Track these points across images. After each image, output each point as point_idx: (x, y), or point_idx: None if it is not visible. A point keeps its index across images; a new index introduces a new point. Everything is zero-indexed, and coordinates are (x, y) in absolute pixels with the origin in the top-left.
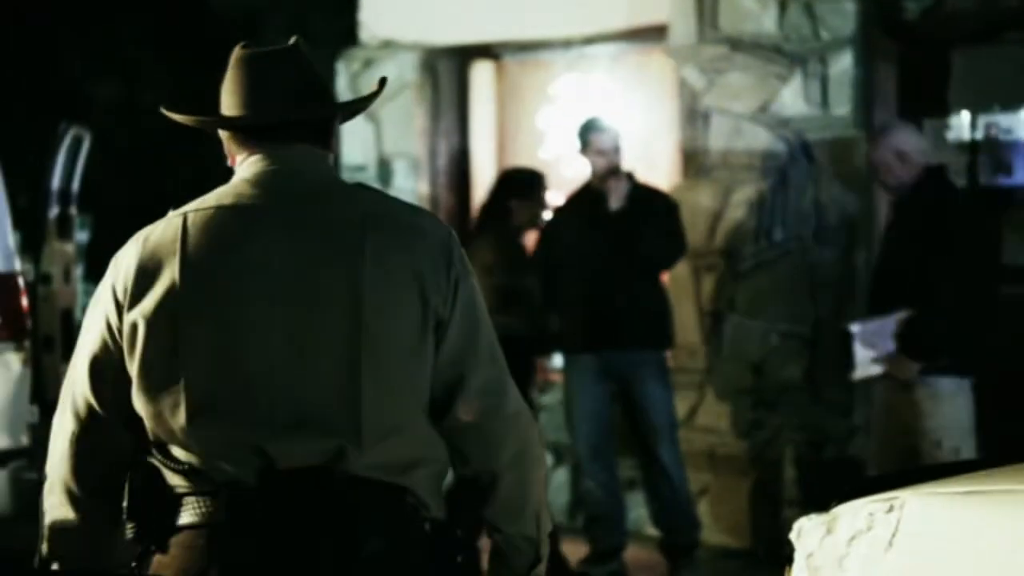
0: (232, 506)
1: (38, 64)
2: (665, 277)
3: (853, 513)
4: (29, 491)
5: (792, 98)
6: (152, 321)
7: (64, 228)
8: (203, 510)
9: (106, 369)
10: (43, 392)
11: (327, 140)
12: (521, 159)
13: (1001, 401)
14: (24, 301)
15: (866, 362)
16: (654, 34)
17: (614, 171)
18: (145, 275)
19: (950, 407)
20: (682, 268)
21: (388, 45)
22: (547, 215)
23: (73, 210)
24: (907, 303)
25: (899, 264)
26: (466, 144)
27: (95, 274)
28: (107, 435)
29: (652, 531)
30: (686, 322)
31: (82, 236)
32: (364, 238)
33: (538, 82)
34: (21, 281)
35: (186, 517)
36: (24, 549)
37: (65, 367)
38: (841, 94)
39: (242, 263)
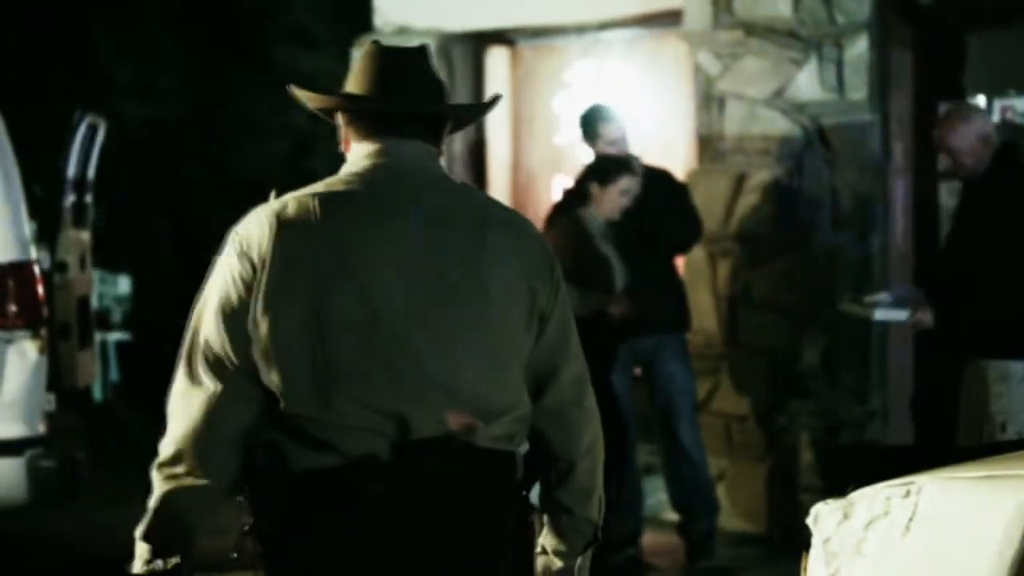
0: (378, 478)
1: (54, 51)
2: (680, 262)
3: (870, 498)
4: (46, 479)
5: (807, 83)
6: (289, 296)
7: (80, 216)
8: (344, 486)
9: (239, 340)
10: (59, 380)
11: (439, 140)
12: (536, 145)
13: None
14: (40, 289)
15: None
16: (669, 19)
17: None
18: (282, 251)
19: (1019, 391)
20: (698, 253)
21: (402, 31)
22: (625, 201)
23: (89, 198)
24: (976, 285)
25: (971, 245)
26: (481, 130)
27: (104, 261)
28: (244, 402)
29: (670, 516)
30: (702, 308)
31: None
32: (484, 233)
33: (553, 68)
34: (37, 269)
35: (323, 494)
36: (41, 536)
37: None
38: (857, 79)
39: (377, 243)
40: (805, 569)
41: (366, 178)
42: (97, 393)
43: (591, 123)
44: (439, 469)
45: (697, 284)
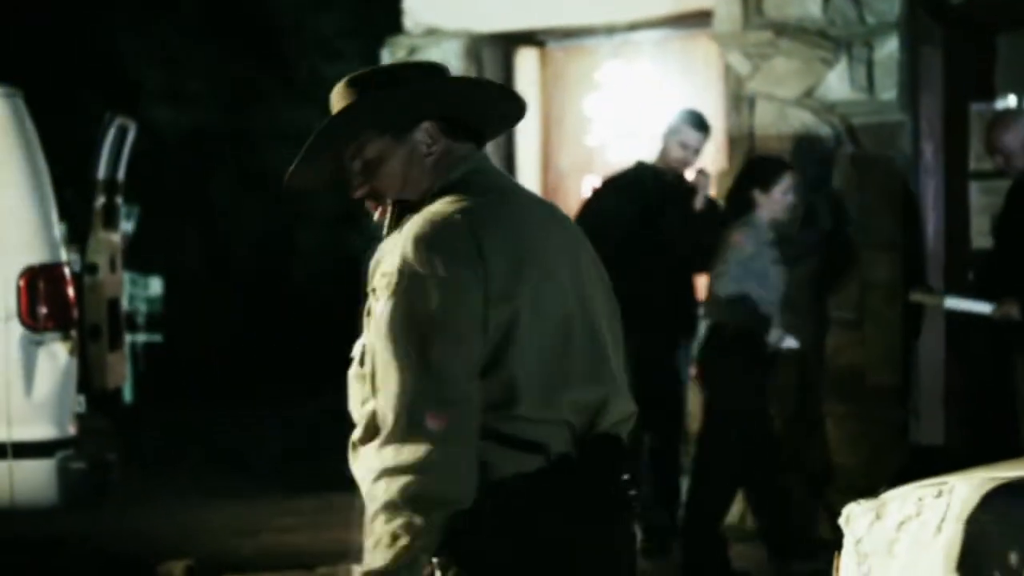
0: (575, 477)
1: (85, 56)
2: None
3: (902, 498)
4: (77, 481)
5: (837, 83)
6: (514, 300)
7: (110, 218)
8: (553, 486)
9: (477, 352)
10: (90, 382)
11: None
12: (567, 146)
13: None
14: (70, 291)
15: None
16: (699, 19)
17: (700, 169)
18: (496, 257)
19: None
20: None
21: (432, 32)
22: (789, 200)
23: (119, 200)
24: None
25: (1017, 246)
26: (511, 131)
27: (136, 264)
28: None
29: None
30: None
31: (127, 226)
32: (578, 231)
33: (583, 69)
34: (67, 271)
35: (535, 496)
36: (71, 537)
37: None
38: (887, 78)
39: (547, 242)
40: (837, 569)
41: (500, 185)
42: (127, 395)
43: (673, 122)
44: (615, 461)
45: None
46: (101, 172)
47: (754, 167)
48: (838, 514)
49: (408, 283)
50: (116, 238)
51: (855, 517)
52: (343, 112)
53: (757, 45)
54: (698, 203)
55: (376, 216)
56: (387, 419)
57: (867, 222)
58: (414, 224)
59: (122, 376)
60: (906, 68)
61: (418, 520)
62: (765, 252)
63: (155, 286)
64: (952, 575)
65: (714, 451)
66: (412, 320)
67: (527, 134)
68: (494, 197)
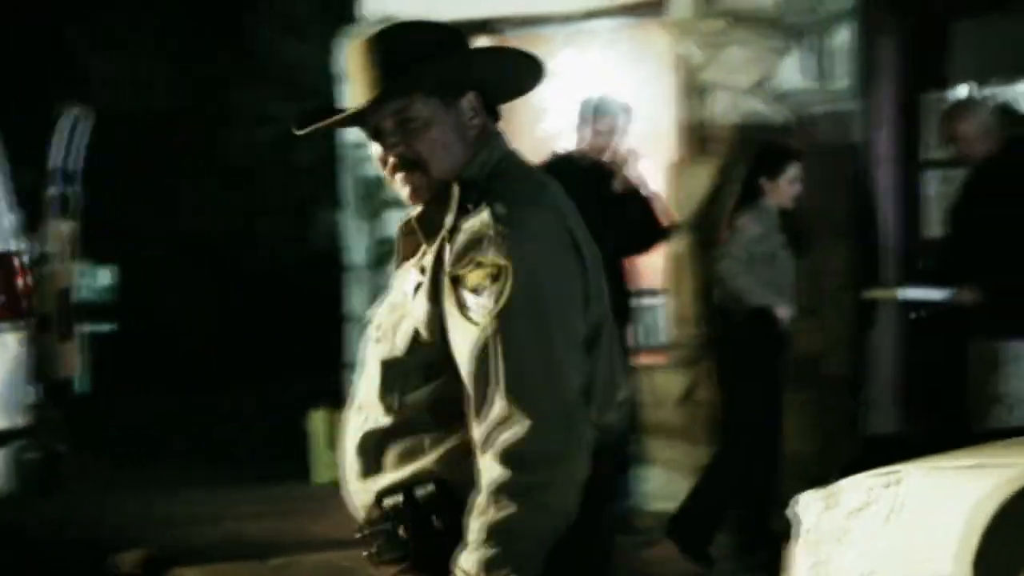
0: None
1: (38, 46)
2: (663, 252)
3: (853, 487)
4: (30, 470)
5: (791, 72)
6: (597, 302)
7: (64, 207)
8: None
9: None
10: (42, 372)
11: None
12: (521, 135)
13: None
14: (23, 281)
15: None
16: (653, 8)
17: (618, 152)
18: (587, 256)
19: None
20: (681, 244)
21: (389, 20)
22: (796, 189)
23: (73, 189)
24: (981, 272)
25: (980, 233)
26: None
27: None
28: None
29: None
30: (686, 298)
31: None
32: None
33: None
34: (18, 261)
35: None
36: (24, 526)
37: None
38: (840, 68)
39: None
40: (789, 558)
41: (532, 167)
42: (83, 384)
43: (588, 110)
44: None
45: (681, 273)
46: (55, 161)
47: (762, 155)
48: (790, 503)
49: (525, 275)
50: (70, 227)
51: (807, 506)
52: (420, 68)
53: (710, 34)
54: (617, 185)
55: (400, 185)
56: (514, 407)
57: (820, 211)
58: (507, 209)
59: (74, 366)
60: (859, 57)
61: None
62: (773, 236)
63: (104, 276)
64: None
65: (735, 431)
66: (534, 311)
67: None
68: (553, 186)
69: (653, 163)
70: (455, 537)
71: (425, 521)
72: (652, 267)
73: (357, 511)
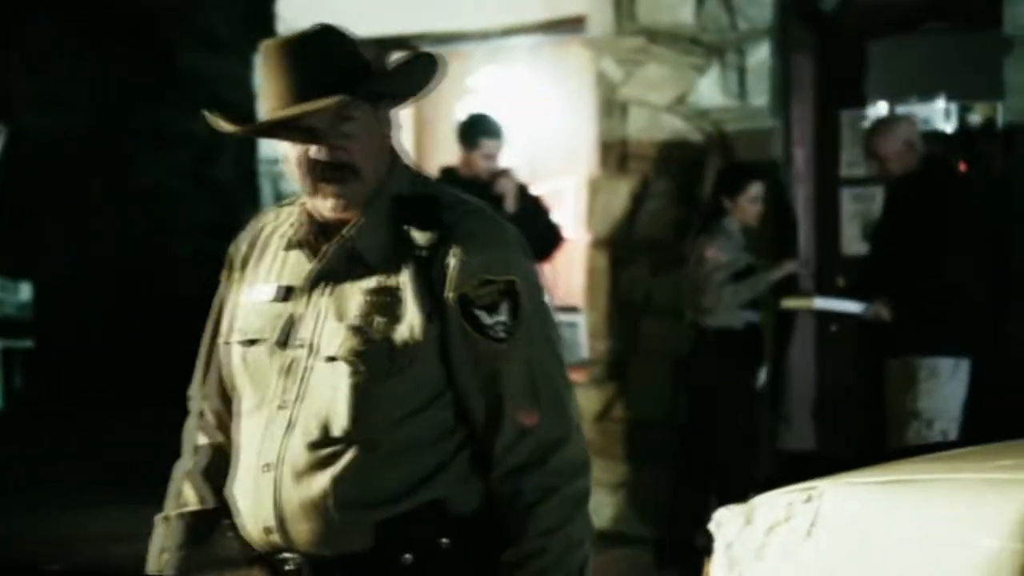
0: None
1: None
2: (582, 269)
3: (772, 503)
4: None
5: (709, 89)
6: None
7: None
8: None
9: None
10: None
11: None
12: (440, 152)
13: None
14: None
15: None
16: (572, 25)
17: (502, 172)
18: None
19: (947, 388)
20: (600, 261)
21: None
22: (756, 209)
23: None
24: (897, 288)
25: (898, 249)
26: None
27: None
28: None
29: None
30: (604, 314)
31: None
32: None
33: (456, 74)
34: None
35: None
36: None
37: None
38: (758, 85)
39: None
40: (707, 574)
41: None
42: None
43: (474, 133)
44: None
45: (598, 291)
46: None
47: (723, 175)
48: (709, 518)
49: (528, 289)
50: None
51: (725, 522)
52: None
53: (630, 51)
54: (509, 206)
55: (326, 193)
56: (562, 423)
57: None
58: (487, 225)
59: None
60: (778, 75)
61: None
62: (741, 257)
63: (26, 292)
64: None
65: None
66: (544, 325)
67: (400, 139)
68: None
69: (572, 179)
70: (460, 557)
71: (433, 545)
72: (570, 284)
73: (315, 547)
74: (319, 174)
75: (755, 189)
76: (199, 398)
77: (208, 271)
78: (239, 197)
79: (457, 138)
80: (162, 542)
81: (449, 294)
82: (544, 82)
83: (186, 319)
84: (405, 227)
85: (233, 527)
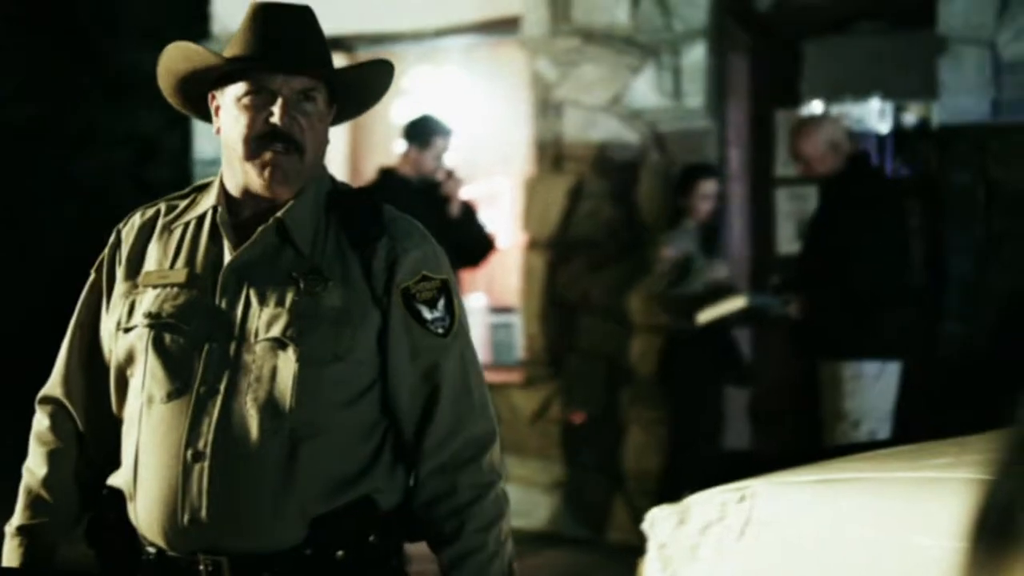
0: None
1: None
2: (519, 269)
3: (705, 503)
4: None
5: (645, 90)
6: None
7: None
8: None
9: None
10: None
11: None
12: (374, 153)
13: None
14: None
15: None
16: (507, 26)
17: (451, 173)
18: None
19: (872, 390)
20: (536, 261)
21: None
22: (704, 204)
23: None
24: (824, 289)
25: (827, 250)
26: None
27: None
28: None
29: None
30: (540, 314)
31: None
32: None
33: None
34: None
35: None
36: None
37: None
38: (693, 85)
39: None
40: (641, 574)
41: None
42: None
43: (428, 132)
44: None
45: (534, 291)
46: None
47: (679, 175)
48: (642, 518)
49: (455, 288)
50: None
51: (659, 521)
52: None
53: (565, 52)
54: (454, 209)
55: (264, 161)
56: (489, 424)
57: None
58: (413, 225)
59: None
60: (713, 75)
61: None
62: (698, 254)
63: None
64: None
65: (690, 439)
66: (466, 325)
67: (334, 140)
68: None
69: (507, 180)
70: (387, 553)
71: (363, 540)
72: (505, 284)
73: (226, 541)
74: (267, 140)
75: (705, 186)
76: (61, 395)
77: None
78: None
79: (407, 138)
80: (14, 557)
81: (393, 287)
82: (479, 82)
83: None
84: (341, 219)
85: (96, 535)
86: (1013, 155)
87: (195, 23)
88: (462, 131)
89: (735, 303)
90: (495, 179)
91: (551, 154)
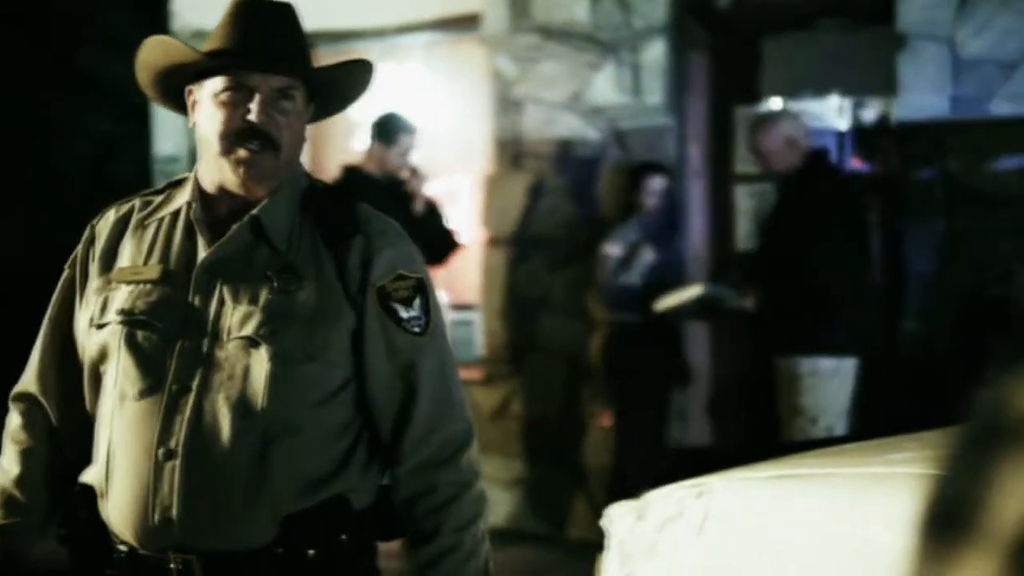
0: None
1: None
2: (478, 266)
3: (663, 499)
4: None
5: (604, 87)
6: None
7: None
8: None
9: None
10: None
11: None
12: (335, 151)
13: (887, 382)
14: None
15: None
16: (467, 23)
17: (415, 171)
18: None
19: (829, 386)
20: (496, 258)
21: (200, 35)
22: (651, 201)
23: None
24: (779, 285)
25: (784, 246)
26: None
27: None
28: None
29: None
30: (501, 312)
31: None
32: None
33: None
34: None
35: None
36: None
37: None
38: (653, 82)
39: None
40: (600, 570)
41: None
42: None
43: (394, 130)
44: None
45: (494, 288)
46: None
47: (629, 174)
48: (601, 514)
49: (431, 288)
50: None
51: (618, 518)
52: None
53: (525, 49)
54: (418, 206)
55: (238, 158)
56: (466, 423)
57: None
58: (389, 223)
59: None
60: (672, 72)
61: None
62: (645, 247)
63: None
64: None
65: (633, 434)
66: (445, 331)
67: None
68: None
69: (467, 177)
70: (359, 552)
71: (335, 540)
72: (465, 281)
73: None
74: (243, 137)
75: (652, 183)
76: (36, 392)
77: None
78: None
79: (372, 135)
80: None
81: (368, 285)
82: (440, 79)
83: None
84: (315, 217)
85: (67, 532)
86: (972, 152)
87: (156, 20)
88: (423, 128)
89: (692, 292)
90: (455, 176)
91: (511, 151)
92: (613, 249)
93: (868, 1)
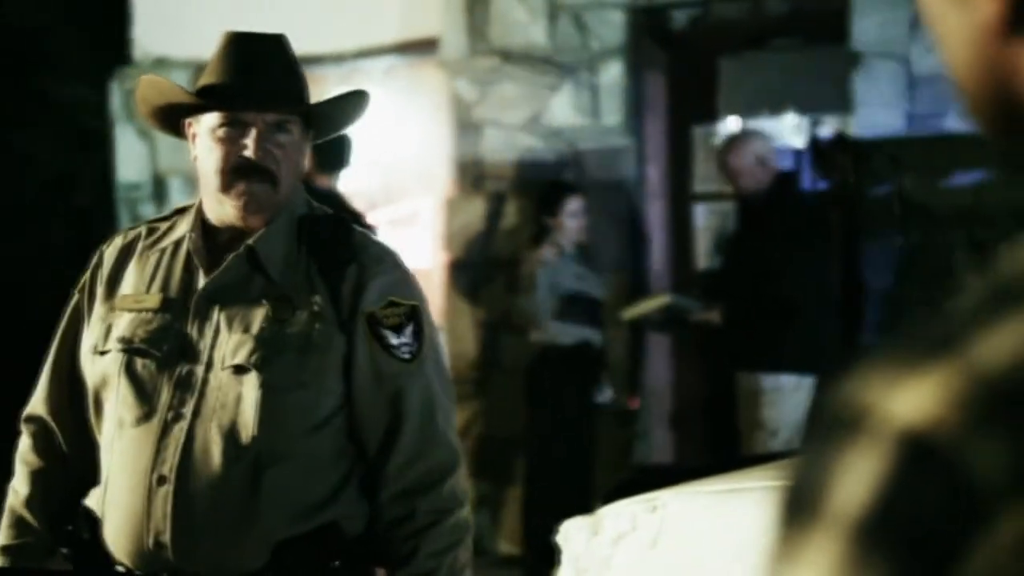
0: None
1: None
2: (440, 288)
3: (617, 514)
4: None
5: (563, 108)
6: None
7: None
8: None
9: None
10: None
11: None
12: None
13: None
14: None
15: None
16: (426, 47)
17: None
18: None
19: (790, 402)
20: (459, 280)
21: (161, 63)
22: (573, 222)
23: None
24: (743, 303)
25: (749, 264)
26: None
27: None
28: None
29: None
30: (463, 334)
31: None
32: None
33: (311, 97)
34: None
35: None
36: None
37: None
38: (611, 104)
39: None
40: None
41: None
42: None
43: (349, 154)
44: None
45: (457, 309)
46: None
47: (541, 195)
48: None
49: (427, 316)
50: None
51: (573, 533)
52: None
53: (484, 72)
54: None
55: (238, 192)
56: (452, 450)
57: (594, 245)
58: (385, 249)
59: None
60: (630, 93)
61: None
62: (570, 265)
63: None
64: None
65: (543, 462)
66: (439, 359)
67: None
68: None
69: (428, 200)
70: None
71: (326, 566)
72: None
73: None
74: (241, 173)
75: (573, 204)
76: (45, 414)
77: (65, 297)
78: (97, 223)
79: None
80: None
81: (359, 312)
82: (399, 103)
83: (39, 345)
84: (310, 244)
85: (72, 556)
86: (928, 168)
87: (113, 49)
88: (383, 152)
89: (657, 301)
90: (416, 199)
91: (471, 173)
92: (548, 255)
93: (823, 20)
